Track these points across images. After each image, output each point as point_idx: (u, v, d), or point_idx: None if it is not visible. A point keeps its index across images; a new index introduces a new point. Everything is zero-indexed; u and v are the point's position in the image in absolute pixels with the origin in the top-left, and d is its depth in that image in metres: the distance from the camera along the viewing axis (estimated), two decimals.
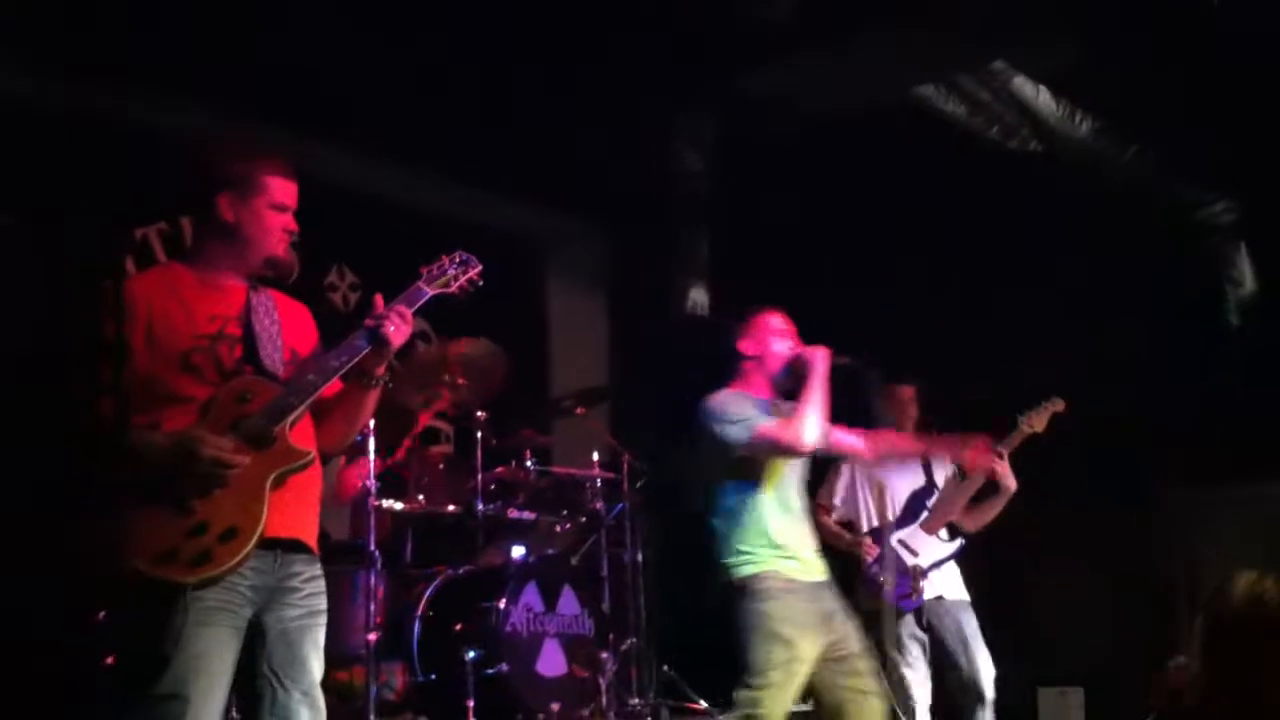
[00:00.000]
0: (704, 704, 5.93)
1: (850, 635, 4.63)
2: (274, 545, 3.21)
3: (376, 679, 5.09)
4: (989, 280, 7.12)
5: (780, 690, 4.43)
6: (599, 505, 6.17)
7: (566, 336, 8.31)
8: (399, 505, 5.66)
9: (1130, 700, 6.09)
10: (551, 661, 5.43)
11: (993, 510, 5.85)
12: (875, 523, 6.07)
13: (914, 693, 5.72)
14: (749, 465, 4.64)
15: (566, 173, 7.24)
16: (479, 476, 5.76)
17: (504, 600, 5.29)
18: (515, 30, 6.02)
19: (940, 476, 6.06)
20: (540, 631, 5.44)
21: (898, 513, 6.09)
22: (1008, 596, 6.83)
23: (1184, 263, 7.10)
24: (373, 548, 5.20)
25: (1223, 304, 7.10)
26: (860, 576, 5.87)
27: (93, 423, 2.61)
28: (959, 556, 5.90)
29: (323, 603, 3.34)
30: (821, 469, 6.37)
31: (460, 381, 5.84)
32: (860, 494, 6.14)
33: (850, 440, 4.85)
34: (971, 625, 5.78)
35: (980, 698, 5.59)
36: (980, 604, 5.82)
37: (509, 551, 5.94)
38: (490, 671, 5.14)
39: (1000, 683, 5.62)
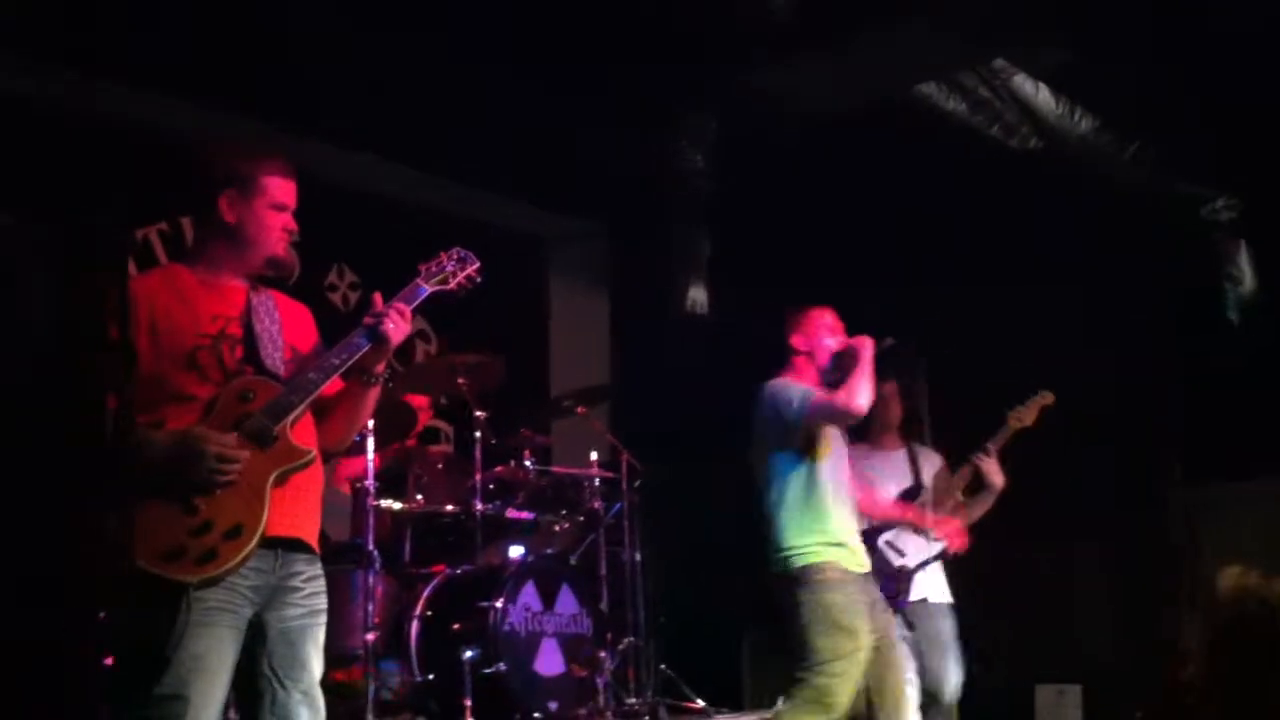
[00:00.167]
0: (701, 703, 5.94)
1: (890, 626, 4.81)
2: (275, 544, 3.21)
3: (375, 678, 5.09)
4: (990, 279, 7.11)
5: (848, 679, 4.52)
6: (598, 505, 6.17)
7: (566, 336, 8.31)
8: (398, 505, 5.67)
9: (1128, 698, 6.09)
10: (550, 661, 5.43)
11: (981, 508, 5.87)
12: (864, 525, 6.12)
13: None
14: (806, 453, 4.76)
15: (567, 172, 7.24)
16: (478, 476, 5.76)
17: (502, 600, 5.28)
18: (515, 29, 6.01)
19: (927, 475, 6.09)
20: (538, 631, 5.44)
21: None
22: (1005, 593, 6.84)
23: (1185, 260, 7.09)
24: (371, 547, 5.21)
25: (1222, 301, 7.09)
26: None
27: (98, 421, 2.60)
28: (945, 557, 5.92)
29: (323, 602, 3.34)
30: None
31: (460, 381, 5.84)
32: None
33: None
34: (949, 631, 5.83)
35: (938, 701, 5.66)
36: (977, 600, 5.83)
37: (507, 551, 5.94)
38: (488, 671, 5.14)
39: (997, 679, 5.64)
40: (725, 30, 6.07)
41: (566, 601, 5.59)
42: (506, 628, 5.28)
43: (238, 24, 5.69)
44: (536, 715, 5.20)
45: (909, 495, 6.17)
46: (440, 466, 6.13)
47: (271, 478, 3.17)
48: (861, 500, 5.19)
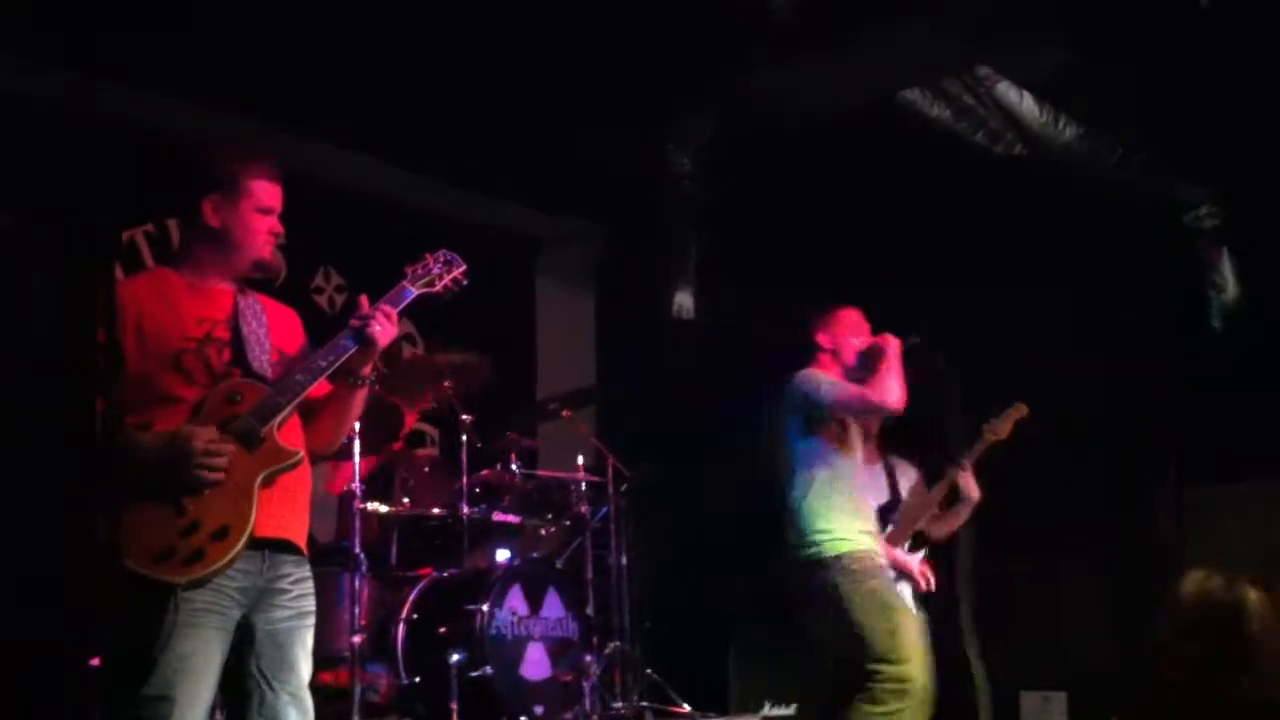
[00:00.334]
0: (688, 707, 5.94)
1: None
2: (262, 545, 3.22)
3: (361, 681, 5.09)
4: (980, 281, 7.12)
5: (918, 653, 4.61)
6: (584, 508, 6.18)
7: (553, 339, 8.31)
8: (384, 508, 5.67)
9: (1115, 705, 6.10)
10: (536, 664, 5.43)
11: (958, 520, 5.93)
12: None
13: None
14: (834, 443, 4.88)
15: (554, 175, 7.25)
16: (464, 479, 5.76)
17: (488, 603, 5.29)
18: (509, 31, 6.02)
19: (904, 488, 6.16)
20: (525, 634, 5.44)
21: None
22: (991, 599, 6.86)
23: (1175, 262, 7.12)
24: (358, 550, 5.20)
25: (1205, 308, 7.12)
26: None
27: (91, 422, 2.61)
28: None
29: (311, 604, 3.35)
30: None
31: (445, 384, 5.85)
32: None
33: None
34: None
35: None
36: (963, 607, 5.87)
37: (494, 554, 5.95)
38: (474, 674, 5.14)
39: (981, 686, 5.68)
40: (721, 31, 6.09)
41: (553, 605, 5.59)
42: (493, 631, 5.29)
43: (228, 22, 5.69)
44: (522, 719, 5.20)
45: (886, 510, 6.25)
46: (426, 470, 6.13)
47: (259, 478, 3.18)
48: None
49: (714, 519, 7.17)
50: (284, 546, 3.29)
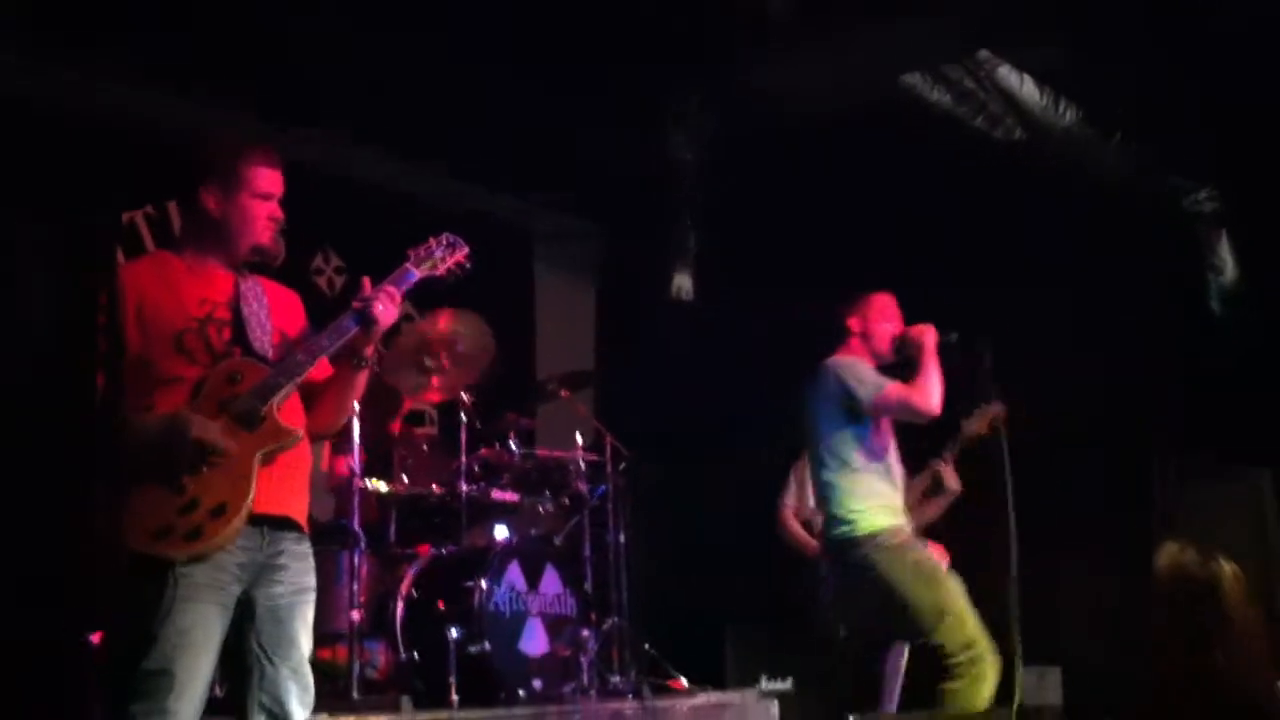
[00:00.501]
0: (685, 681, 5.99)
1: None
2: (262, 522, 3.26)
3: (360, 658, 5.13)
4: (982, 284, 7.15)
5: (973, 619, 4.66)
6: (582, 487, 6.20)
7: (552, 320, 8.34)
8: (383, 486, 5.70)
9: (1109, 681, 6.15)
10: (534, 640, 5.47)
11: (936, 509, 6.03)
12: None
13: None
14: (869, 425, 4.90)
15: (554, 159, 7.26)
16: (463, 458, 5.79)
17: (487, 580, 5.32)
18: (505, 20, 6.04)
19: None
20: (523, 611, 5.48)
21: None
22: (985, 576, 6.89)
23: (1170, 265, 7.14)
24: (357, 528, 5.24)
25: (1204, 292, 7.15)
26: (818, 572, 6.13)
27: (87, 417, 2.64)
28: None
29: (312, 580, 3.39)
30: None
31: (445, 365, 5.87)
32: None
33: None
34: None
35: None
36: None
37: (492, 532, 5.98)
38: (473, 650, 5.17)
39: None
40: (719, 22, 6.11)
41: (551, 582, 5.63)
42: (491, 607, 5.32)
43: (228, 9, 5.71)
44: (521, 694, 5.24)
45: None
46: (425, 449, 6.17)
47: (258, 456, 3.22)
48: None
49: (710, 501, 7.21)
50: (284, 523, 3.33)
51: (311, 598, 3.40)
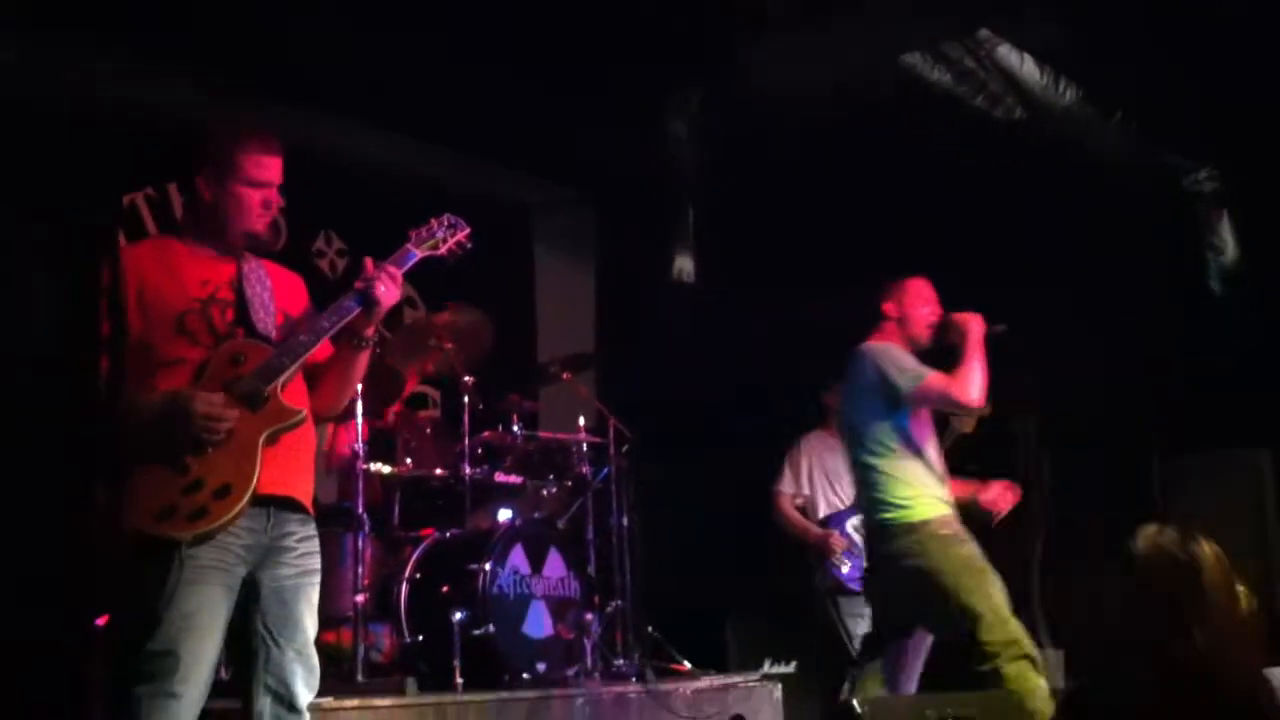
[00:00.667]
0: (688, 664, 5.99)
1: None
2: (267, 503, 3.26)
3: (364, 640, 5.14)
4: (981, 283, 7.14)
5: (1014, 620, 4.55)
6: (585, 469, 6.20)
7: (553, 302, 8.33)
8: (387, 469, 5.70)
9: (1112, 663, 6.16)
10: (537, 623, 5.47)
11: None
12: (829, 510, 6.52)
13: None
14: (912, 412, 4.80)
15: (555, 139, 7.25)
16: (466, 441, 5.78)
17: (490, 563, 5.32)
18: (507, 7, 6.03)
19: None
20: (526, 593, 5.48)
21: (848, 501, 6.35)
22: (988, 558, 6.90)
23: (1170, 266, 7.15)
24: (360, 511, 5.24)
25: (1204, 273, 7.15)
26: (818, 558, 6.37)
27: (92, 387, 2.64)
28: None
29: (316, 562, 3.40)
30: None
31: (447, 345, 5.87)
32: (816, 482, 6.41)
33: None
34: None
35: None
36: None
37: (496, 515, 5.98)
38: (477, 633, 5.17)
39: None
40: (718, 7, 6.10)
41: (554, 565, 5.63)
42: (495, 590, 5.32)
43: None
44: (525, 676, 5.24)
45: None
46: (429, 431, 6.16)
47: (262, 437, 3.22)
48: None
49: (715, 486, 7.21)
50: (288, 504, 3.33)
51: (316, 579, 3.40)
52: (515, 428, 6.07)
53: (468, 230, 3.68)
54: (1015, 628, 4.54)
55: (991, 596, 4.57)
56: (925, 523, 4.69)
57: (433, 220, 3.65)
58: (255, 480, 3.18)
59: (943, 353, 4.89)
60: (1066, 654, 7.07)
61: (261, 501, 3.23)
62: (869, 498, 4.85)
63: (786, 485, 6.56)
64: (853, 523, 6.37)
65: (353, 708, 4.48)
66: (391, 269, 3.45)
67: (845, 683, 6.19)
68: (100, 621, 3.10)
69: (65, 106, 5.95)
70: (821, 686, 6.46)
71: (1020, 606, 4.67)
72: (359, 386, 4.61)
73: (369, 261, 3.47)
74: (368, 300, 3.39)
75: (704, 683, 5.69)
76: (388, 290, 3.40)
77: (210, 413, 3.15)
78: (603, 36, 6.31)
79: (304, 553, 3.36)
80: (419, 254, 3.58)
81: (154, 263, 3.36)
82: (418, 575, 5.44)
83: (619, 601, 6.11)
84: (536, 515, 6.05)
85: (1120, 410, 7.02)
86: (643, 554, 6.38)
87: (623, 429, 6.36)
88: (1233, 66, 6.35)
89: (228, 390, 3.22)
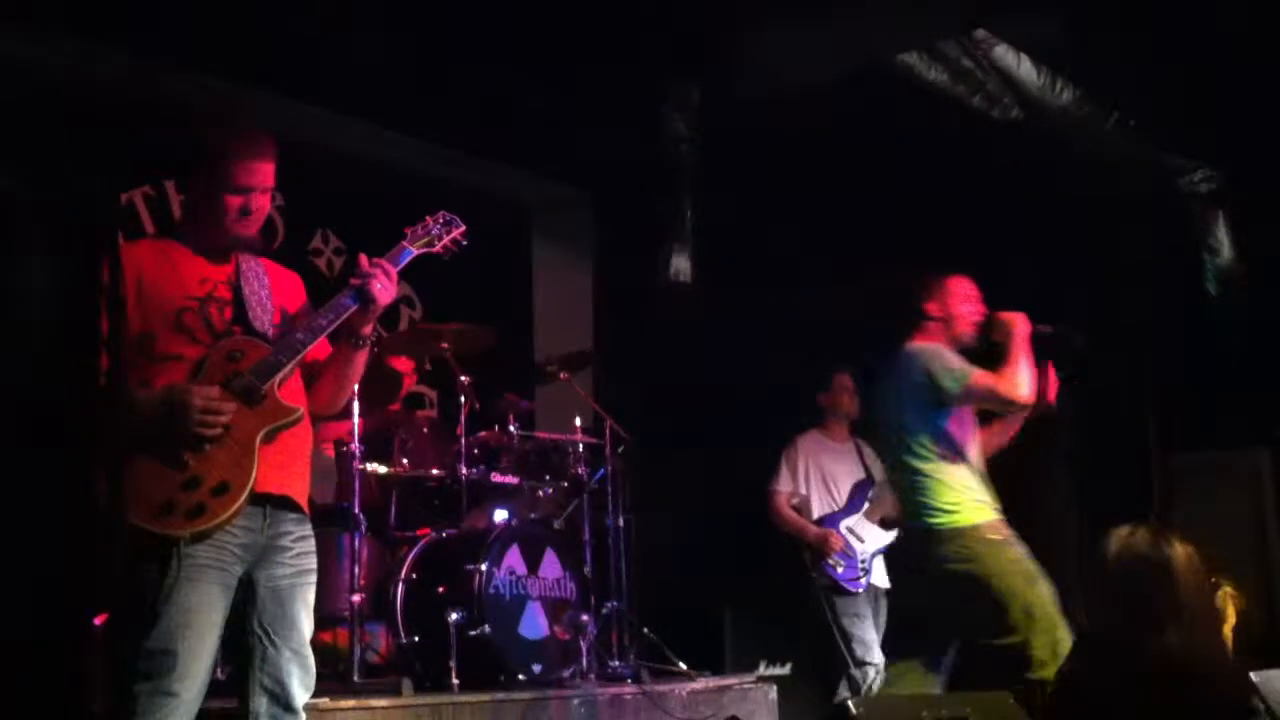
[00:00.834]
0: (684, 666, 5.99)
1: None
2: (264, 502, 3.26)
3: (360, 640, 5.13)
4: (975, 268, 7.15)
5: (1063, 626, 4.49)
6: (582, 470, 6.19)
7: (550, 301, 8.33)
8: (383, 469, 5.70)
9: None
10: (533, 624, 5.46)
11: None
12: (824, 511, 6.53)
13: (871, 658, 6.21)
14: (956, 413, 4.76)
15: (553, 138, 7.25)
16: (463, 441, 5.78)
17: (487, 563, 5.31)
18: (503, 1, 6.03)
19: (876, 471, 6.43)
20: (522, 594, 5.48)
21: (842, 502, 6.36)
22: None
23: (1170, 267, 7.15)
24: (357, 511, 5.23)
25: (1201, 273, 7.15)
26: (814, 558, 6.38)
27: (92, 383, 2.63)
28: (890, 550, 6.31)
29: (313, 562, 3.39)
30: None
31: (444, 345, 5.87)
32: (812, 483, 6.44)
33: None
34: (884, 613, 6.26)
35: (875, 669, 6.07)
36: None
37: (492, 515, 5.97)
38: (473, 633, 5.17)
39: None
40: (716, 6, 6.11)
41: (551, 565, 5.62)
42: (491, 591, 5.32)
43: None
44: (521, 677, 5.23)
45: (863, 486, 6.42)
46: (425, 431, 6.15)
47: (260, 435, 3.22)
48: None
49: (711, 487, 7.21)
50: (285, 504, 3.33)
51: (313, 579, 3.40)
52: (512, 428, 6.06)
53: (463, 228, 3.68)
54: (1064, 633, 4.48)
55: (1038, 600, 4.53)
56: (974, 527, 4.65)
57: (428, 218, 3.65)
58: (253, 478, 3.18)
59: (985, 352, 4.84)
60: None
61: (258, 500, 3.23)
62: (913, 501, 4.78)
63: (783, 484, 6.57)
64: (847, 524, 6.40)
65: (349, 708, 4.48)
66: (387, 265, 3.45)
67: (842, 682, 6.22)
68: (99, 621, 3.09)
69: (63, 103, 5.94)
70: (817, 688, 6.46)
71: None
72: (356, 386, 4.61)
73: (364, 258, 3.47)
74: (364, 297, 3.38)
75: (699, 684, 5.69)
76: (384, 287, 3.40)
77: (208, 406, 3.15)
78: (602, 36, 6.31)
79: (300, 552, 3.35)
80: (415, 251, 3.58)
81: (153, 259, 3.36)
82: (414, 575, 5.44)
83: (615, 602, 6.11)
84: (533, 516, 6.04)
85: (1119, 411, 7.02)
86: (638, 555, 6.37)
87: (619, 430, 6.35)
88: (1229, 67, 6.35)
89: (225, 387, 3.22)
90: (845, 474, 6.57)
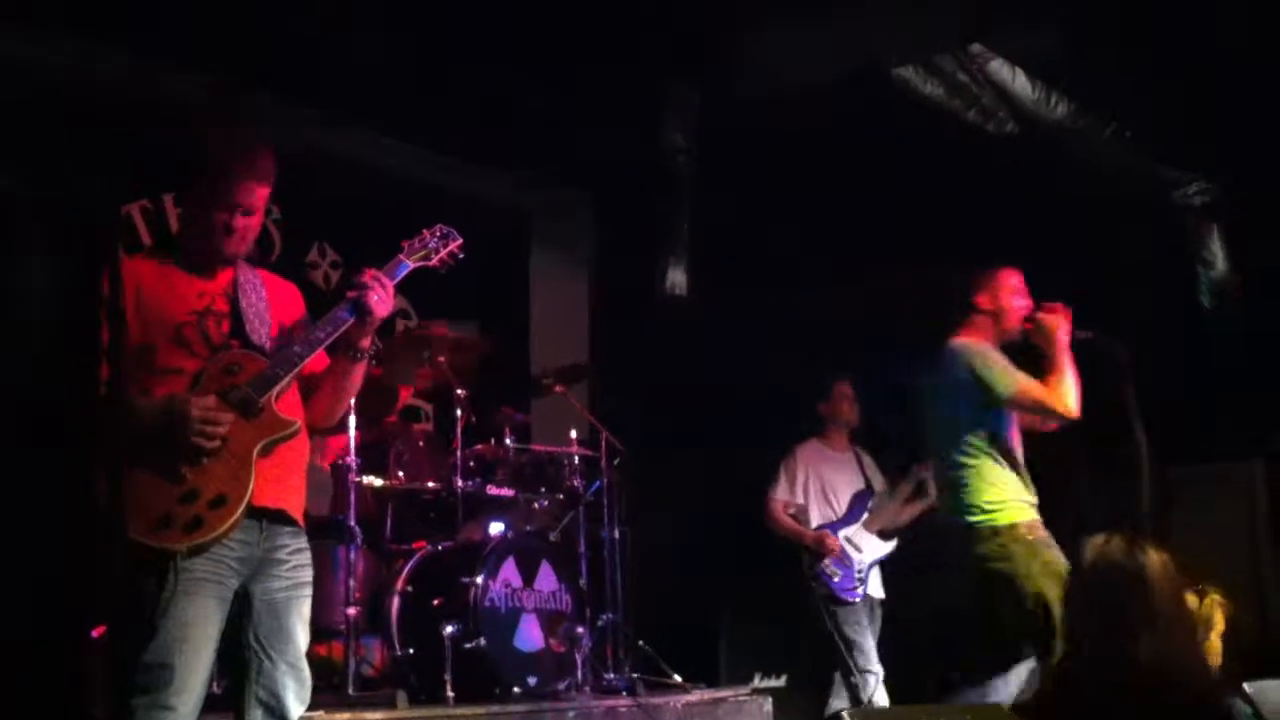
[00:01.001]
0: (679, 678, 5.98)
1: None
2: (260, 515, 3.25)
3: (355, 653, 5.13)
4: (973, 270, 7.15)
5: None
6: (577, 482, 6.20)
7: (547, 314, 8.33)
8: (379, 481, 5.69)
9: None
10: (529, 636, 5.46)
11: (915, 512, 6.33)
12: (822, 521, 6.54)
13: (872, 666, 6.22)
14: (1003, 414, 4.72)
15: (550, 150, 7.26)
16: (458, 453, 5.78)
17: (482, 576, 5.31)
18: (502, 6, 6.03)
19: (876, 481, 6.40)
20: (518, 607, 5.47)
21: (841, 512, 6.37)
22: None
23: (1170, 267, 7.15)
24: (353, 523, 5.23)
25: (1195, 285, 7.16)
26: (812, 567, 6.39)
27: (91, 395, 2.64)
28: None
29: (308, 575, 3.39)
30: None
31: (440, 359, 5.86)
32: (811, 492, 6.46)
33: None
34: (878, 622, 6.34)
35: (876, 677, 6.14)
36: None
37: (488, 527, 5.97)
38: (468, 646, 5.16)
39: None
40: (711, 4, 6.11)
41: (546, 578, 5.62)
42: (487, 603, 5.31)
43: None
44: (516, 690, 5.22)
45: (862, 497, 6.44)
46: (421, 444, 6.15)
47: (257, 447, 3.22)
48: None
49: (707, 498, 7.21)
50: (281, 517, 3.32)
51: (308, 592, 3.40)
52: (507, 441, 6.07)
53: (460, 241, 3.68)
54: None
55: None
56: (1012, 526, 4.62)
57: (425, 231, 3.65)
58: (250, 491, 3.18)
59: (1023, 349, 4.80)
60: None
61: (255, 514, 3.23)
62: (955, 498, 4.75)
63: (780, 492, 6.56)
64: (845, 533, 6.40)
65: None
66: (383, 278, 3.45)
67: (834, 692, 6.23)
68: (97, 633, 3.09)
69: (63, 103, 5.95)
70: (812, 699, 6.46)
71: None
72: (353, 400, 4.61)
73: (366, 272, 3.46)
74: (361, 310, 3.38)
75: (695, 696, 5.68)
76: (381, 300, 3.40)
77: (206, 417, 3.14)
78: (602, 37, 6.31)
79: (296, 565, 3.35)
80: (411, 265, 3.58)
81: (152, 273, 3.37)
82: (409, 588, 5.43)
83: (610, 615, 6.11)
84: (528, 528, 6.04)
85: (1112, 422, 7.02)
86: (634, 567, 6.37)
87: (614, 442, 6.35)
88: (1226, 79, 6.36)
89: (222, 400, 3.22)
90: (845, 484, 6.58)
